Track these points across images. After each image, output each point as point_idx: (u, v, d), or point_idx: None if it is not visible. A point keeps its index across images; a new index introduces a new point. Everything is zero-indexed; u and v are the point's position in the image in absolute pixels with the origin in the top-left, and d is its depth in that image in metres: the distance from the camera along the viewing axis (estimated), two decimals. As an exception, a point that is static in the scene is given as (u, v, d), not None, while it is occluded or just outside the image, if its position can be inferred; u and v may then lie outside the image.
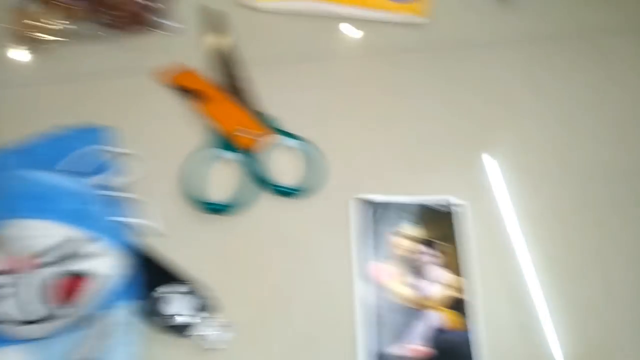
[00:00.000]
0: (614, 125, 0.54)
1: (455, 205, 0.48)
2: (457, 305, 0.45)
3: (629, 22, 0.60)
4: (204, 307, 0.43)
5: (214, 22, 0.57)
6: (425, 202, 0.49)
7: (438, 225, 0.48)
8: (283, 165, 0.51)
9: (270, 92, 0.54)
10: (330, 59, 0.57)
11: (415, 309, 0.45)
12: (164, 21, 0.56)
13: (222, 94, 0.53)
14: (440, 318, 0.44)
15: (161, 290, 0.43)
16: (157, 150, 0.50)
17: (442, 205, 0.48)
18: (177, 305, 0.43)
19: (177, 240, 0.47)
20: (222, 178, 0.50)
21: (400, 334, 0.44)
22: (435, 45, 0.58)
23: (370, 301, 0.45)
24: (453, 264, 0.46)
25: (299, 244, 0.47)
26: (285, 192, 0.49)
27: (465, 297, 0.45)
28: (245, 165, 0.50)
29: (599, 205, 0.50)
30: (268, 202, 0.49)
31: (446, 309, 0.45)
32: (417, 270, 0.46)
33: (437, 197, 0.49)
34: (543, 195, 0.50)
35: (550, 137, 0.53)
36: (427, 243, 0.47)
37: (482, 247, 0.47)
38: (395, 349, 0.43)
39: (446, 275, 0.46)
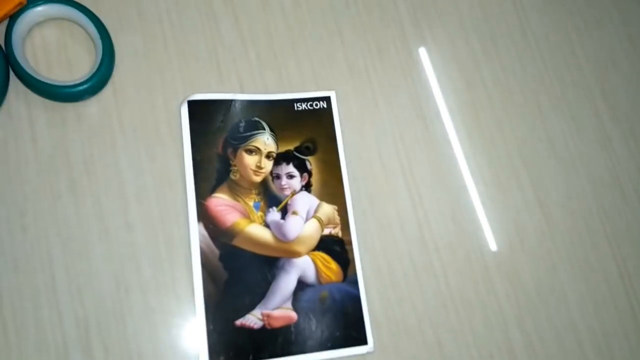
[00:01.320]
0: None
1: (326, 100, 0.36)
2: (335, 247, 0.33)
3: None
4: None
5: None
6: (284, 99, 0.35)
7: (305, 132, 0.35)
8: (56, 51, 0.34)
9: None
10: None
11: (277, 258, 0.33)
12: None
13: None
14: (312, 267, 0.33)
15: None
16: None
17: (310, 102, 0.36)
18: None
19: None
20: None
21: (257, 296, 0.32)
22: None
23: (213, 252, 0.32)
24: (328, 188, 0.34)
25: (97, 172, 0.33)
26: (64, 92, 0.33)
27: (344, 234, 0.34)
28: (-7, 52, 0.33)
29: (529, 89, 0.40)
30: (40, 110, 0.33)
31: (318, 254, 0.33)
32: (277, 201, 0.34)
33: (302, 93, 0.36)
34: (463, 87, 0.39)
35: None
36: (291, 160, 0.35)
37: (366, 156, 0.36)
38: (250, 319, 0.31)
39: (317, 205, 0.34)
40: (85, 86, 0.33)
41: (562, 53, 0.41)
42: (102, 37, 0.34)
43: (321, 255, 0.33)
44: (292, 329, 0.31)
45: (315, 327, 0.32)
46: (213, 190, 0.33)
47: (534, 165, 0.38)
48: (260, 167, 0.34)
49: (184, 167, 0.33)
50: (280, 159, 0.34)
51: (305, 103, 0.36)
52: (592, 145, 0.39)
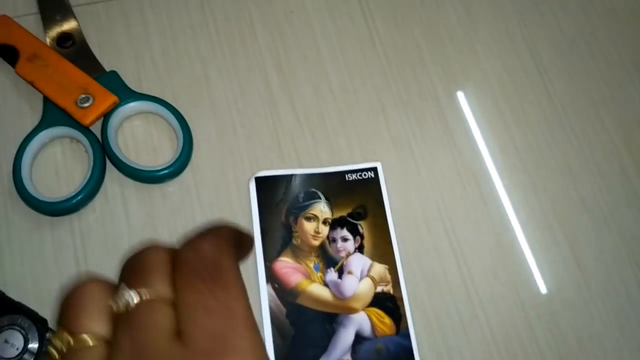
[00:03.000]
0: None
1: (373, 170, 0.41)
2: (387, 304, 0.38)
3: None
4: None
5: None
6: (336, 171, 0.41)
7: (356, 199, 0.40)
8: (143, 140, 0.41)
9: (117, 42, 0.44)
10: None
11: (336, 314, 0.37)
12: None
13: (53, 50, 0.42)
14: (368, 322, 0.37)
15: (-5, 325, 0.35)
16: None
17: (360, 173, 0.41)
18: (18, 343, 0.34)
19: (12, 255, 0.38)
20: (68, 165, 0.40)
21: (320, 349, 0.36)
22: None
23: (280, 310, 0.37)
24: (378, 249, 0.39)
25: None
26: (151, 176, 0.40)
27: (395, 291, 0.38)
28: (94, 145, 0.40)
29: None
30: (131, 192, 0.40)
31: (372, 309, 0.38)
32: (334, 262, 0.39)
33: (352, 165, 0.41)
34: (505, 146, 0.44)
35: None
36: (345, 225, 0.40)
37: (412, 219, 0.41)
38: None
39: (370, 265, 0.39)
40: (168, 170, 0.40)
41: (588, 116, 0.45)
42: (182, 128, 0.41)
43: (375, 310, 0.38)
44: (353, 378, 0.36)
45: None
46: (278, 254, 0.39)
47: (568, 223, 0.42)
48: (318, 233, 0.39)
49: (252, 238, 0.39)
50: (335, 224, 0.40)
51: (355, 174, 0.41)
52: (621, 201, 0.43)
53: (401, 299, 0.38)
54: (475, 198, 0.42)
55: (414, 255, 0.40)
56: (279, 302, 0.37)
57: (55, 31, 0.43)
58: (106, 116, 0.41)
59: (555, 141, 0.44)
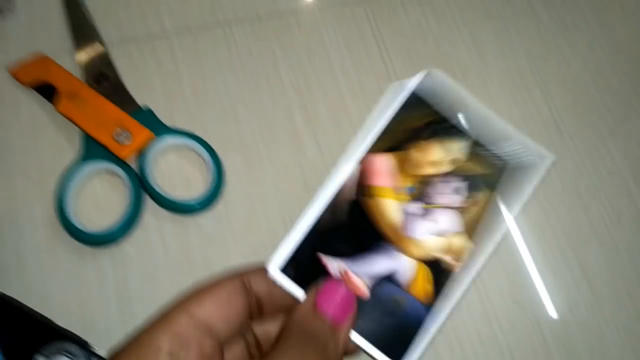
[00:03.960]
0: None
1: (543, 160, 0.35)
2: (440, 273, 0.33)
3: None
4: (100, 368, 0.38)
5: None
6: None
7: (498, 168, 0.34)
8: (177, 173, 0.45)
9: (150, 79, 0.47)
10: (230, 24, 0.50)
11: (387, 242, 0.33)
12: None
13: (90, 88, 0.46)
14: (410, 273, 0.32)
15: (44, 352, 0.37)
16: (22, 168, 0.44)
17: (525, 151, 0.35)
18: (65, 369, 0.37)
19: (58, 284, 0.41)
20: (107, 198, 0.44)
21: (351, 254, 0.32)
22: None
23: (349, 193, 0.33)
24: (471, 223, 0.33)
25: (214, 270, 0.42)
26: (186, 207, 0.43)
27: (458, 269, 0.33)
28: (132, 178, 0.43)
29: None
30: (167, 223, 0.43)
31: (424, 267, 0.33)
32: (428, 200, 0.33)
33: (529, 139, 0.35)
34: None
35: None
36: (469, 180, 0.34)
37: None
38: (332, 263, 0.32)
39: (455, 230, 0.33)
40: (202, 202, 0.43)
41: (596, 147, 0.49)
42: (214, 162, 0.44)
43: (426, 271, 0.33)
44: (358, 301, 0.32)
45: (373, 315, 0.32)
46: (386, 151, 0.34)
47: (579, 248, 0.45)
48: (436, 163, 0.34)
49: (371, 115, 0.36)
50: (456, 175, 0.34)
51: (516, 147, 0.35)
52: (630, 228, 0.46)
53: (457, 283, 0.33)
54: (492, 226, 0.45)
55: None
56: (354, 186, 0.33)
57: (91, 69, 0.47)
58: (142, 151, 0.44)
59: (565, 170, 0.48)
